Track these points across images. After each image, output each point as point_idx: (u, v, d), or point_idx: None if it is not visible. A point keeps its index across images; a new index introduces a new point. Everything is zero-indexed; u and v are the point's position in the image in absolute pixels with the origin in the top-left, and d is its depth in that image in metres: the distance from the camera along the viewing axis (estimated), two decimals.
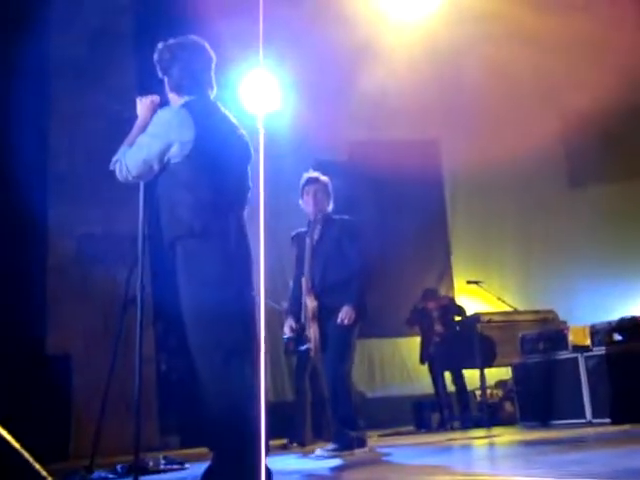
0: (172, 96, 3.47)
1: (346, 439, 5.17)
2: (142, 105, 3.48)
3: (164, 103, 3.49)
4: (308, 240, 5.55)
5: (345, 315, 5.23)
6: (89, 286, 8.34)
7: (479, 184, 10.56)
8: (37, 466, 0.92)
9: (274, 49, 7.29)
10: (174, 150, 3.23)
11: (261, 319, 3.85)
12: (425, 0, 8.48)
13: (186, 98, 3.40)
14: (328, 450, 5.15)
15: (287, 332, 5.59)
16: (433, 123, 10.27)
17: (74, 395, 8.02)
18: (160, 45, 3.48)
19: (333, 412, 5.35)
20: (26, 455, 0.90)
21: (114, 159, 3.33)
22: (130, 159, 3.28)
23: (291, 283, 5.88)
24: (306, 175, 5.74)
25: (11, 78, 6.92)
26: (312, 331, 5.38)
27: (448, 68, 9.31)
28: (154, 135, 3.27)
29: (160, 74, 3.50)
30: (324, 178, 5.72)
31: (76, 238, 8.37)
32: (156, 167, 3.28)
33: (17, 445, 0.89)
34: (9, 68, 6.79)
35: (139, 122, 3.44)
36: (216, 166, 3.27)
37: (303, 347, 5.50)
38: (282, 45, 7.78)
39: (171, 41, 3.48)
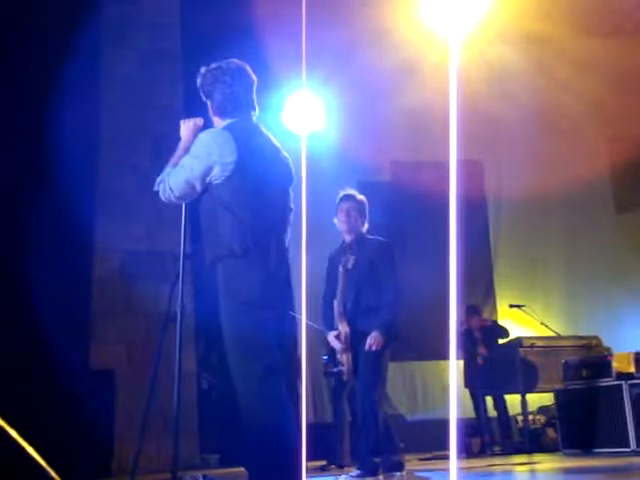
0: (215, 119, 3.53)
1: (371, 465, 5.13)
2: (186, 127, 3.54)
3: (208, 126, 3.55)
4: (342, 262, 5.48)
5: (373, 341, 5.14)
6: (132, 302, 8.45)
7: (523, 207, 10.46)
8: (52, 473, 0.93)
9: (318, 70, 7.36)
10: (216, 171, 3.27)
11: (302, 340, 3.85)
12: (473, 20, 8.43)
13: (228, 121, 3.45)
14: (352, 476, 5.13)
15: (332, 342, 5.47)
16: (478, 145, 10.22)
17: (117, 411, 8.11)
18: (202, 69, 3.55)
19: (362, 437, 5.31)
20: (38, 459, 0.91)
21: (158, 180, 3.39)
22: (173, 180, 3.33)
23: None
24: (342, 192, 5.67)
25: (62, 94, 7.06)
26: (344, 356, 5.35)
27: (494, 89, 9.28)
28: (196, 156, 3.33)
29: (203, 98, 3.56)
30: (360, 197, 5.64)
31: (120, 254, 8.49)
32: (198, 188, 3.32)
33: (28, 447, 0.90)
34: (60, 84, 6.94)
35: (182, 144, 3.50)
36: (257, 187, 3.30)
37: (336, 369, 5.47)
38: (326, 66, 7.85)
39: (213, 65, 3.54)
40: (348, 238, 5.52)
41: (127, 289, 8.45)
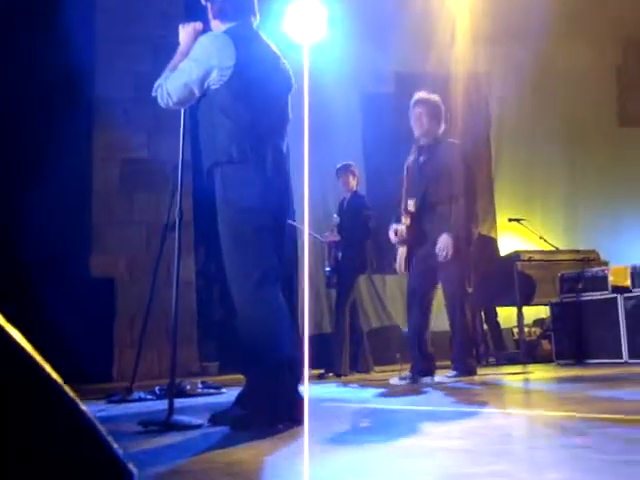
0: (215, 23, 3.45)
1: (466, 365, 5.26)
2: (184, 32, 3.47)
3: (207, 31, 3.48)
4: (412, 161, 5.46)
5: (443, 245, 5.13)
6: (132, 211, 8.47)
7: (526, 119, 10.35)
8: (65, 387, 0.94)
9: None
10: (214, 76, 3.23)
11: (305, 250, 3.86)
12: None
13: (228, 25, 3.39)
14: (449, 377, 5.21)
15: (390, 235, 5.50)
16: (483, 57, 10.04)
17: (117, 319, 8.23)
18: None
19: (456, 341, 5.38)
20: (51, 372, 0.92)
21: (156, 84, 3.34)
22: (171, 84, 3.29)
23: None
24: (415, 96, 5.55)
25: (59, 3, 6.94)
26: (400, 251, 5.37)
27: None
28: (195, 60, 3.28)
29: (203, 1, 3.48)
30: (434, 99, 5.53)
31: (120, 163, 8.47)
32: (197, 92, 3.28)
33: (40, 360, 0.92)
34: None
35: (181, 48, 3.43)
36: (255, 93, 3.26)
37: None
38: None
39: None
40: (423, 141, 5.48)
41: (128, 198, 8.47)
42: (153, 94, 3.35)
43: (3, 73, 6.66)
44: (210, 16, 3.47)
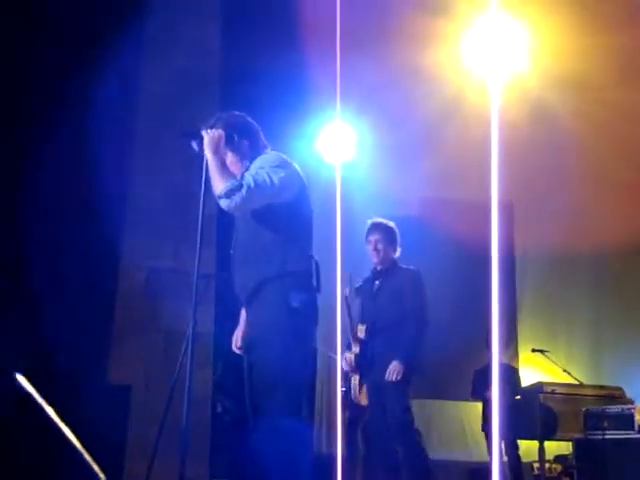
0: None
1: None
2: (209, 137, 3.53)
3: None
4: (368, 287, 5.48)
5: (394, 370, 5.09)
6: (154, 319, 8.45)
7: (551, 253, 10.37)
8: (96, 467, 0.92)
9: (353, 102, 7.40)
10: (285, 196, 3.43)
11: (338, 372, 3.92)
12: (514, 62, 8.40)
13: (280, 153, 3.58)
14: None
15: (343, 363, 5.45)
16: (510, 187, 10.15)
17: (131, 428, 8.08)
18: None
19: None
20: (86, 455, 0.90)
21: (227, 189, 3.36)
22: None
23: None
24: (369, 222, 5.65)
25: (97, 107, 7.14)
26: (353, 379, 5.33)
27: (532, 134, 9.24)
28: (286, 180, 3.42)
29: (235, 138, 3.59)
30: (389, 224, 5.61)
31: (146, 270, 8.51)
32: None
33: (78, 444, 0.90)
34: (95, 95, 7.02)
35: (209, 156, 3.49)
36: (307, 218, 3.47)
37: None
38: (362, 99, 7.90)
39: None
40: (379, 267, 5.51)
41: (150, 305, 8.46)
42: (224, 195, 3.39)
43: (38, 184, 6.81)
44: (236, 154, 3.58)
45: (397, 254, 5.52)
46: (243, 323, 3.70)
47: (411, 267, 5.55)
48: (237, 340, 3.73)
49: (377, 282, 5.43)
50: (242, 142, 3.55)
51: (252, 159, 3.52)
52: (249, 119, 3.68)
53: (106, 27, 7.20)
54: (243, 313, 3.69)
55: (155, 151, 8.71)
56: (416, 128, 9.21)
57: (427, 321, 5.33)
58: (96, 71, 6.98)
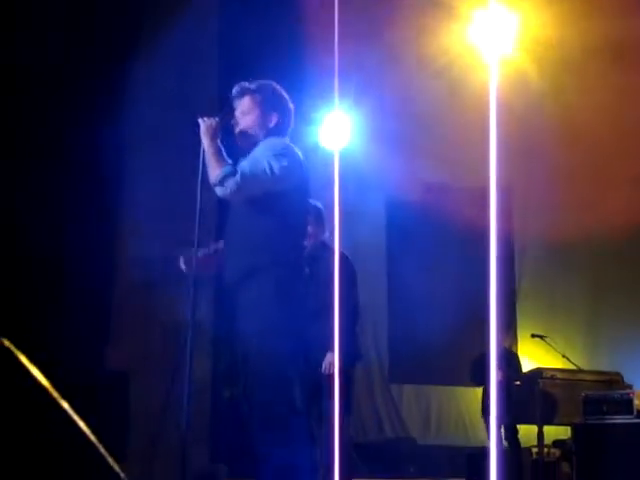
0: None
1: None
2: (207, 126, 3.49)
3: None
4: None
5: (327, 363, 4.90)
6: (152, 306, 8.45)
7: (550, 234, 10.37)
8: (111, 461, 0.92)
9: (351, 88, 7.39)
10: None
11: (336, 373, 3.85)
12: (514, 49, 8.37)
13: (287, 140, 3.52)
14: None
15: None
16: (510, 172, 10.15)
17: (130, 414, 8.09)
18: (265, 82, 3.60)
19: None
20: (102, 450, 0.91)
21: (220, 176, 3.35)
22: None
23: None
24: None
25: (90, 111, 7.13)
26: None
27: (535, 119, 9.22)
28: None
29: (257, 110, 3.54)
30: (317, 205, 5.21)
31: (147, 260, 8.50)
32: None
33: (94, 439, 0.90)
34: (97, 94, 7.00)
35: (206, 143, 3.45)
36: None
37: None
38: (361, 85, 7.89)
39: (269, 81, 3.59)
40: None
41: (149, 295, 8.46)
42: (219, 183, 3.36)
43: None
44: (261, 127, 3.54)
45: (325, 236, 5.16)
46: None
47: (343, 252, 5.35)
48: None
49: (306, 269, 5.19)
50: (272, 113, 3.51)
51: (267, 135, 3.46)
52: (287, 97, 3.61)
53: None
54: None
55: (154, 143, 8.69)
56: (416, 114, 9.21)
57: (359, 311, 5.18)
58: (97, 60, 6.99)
